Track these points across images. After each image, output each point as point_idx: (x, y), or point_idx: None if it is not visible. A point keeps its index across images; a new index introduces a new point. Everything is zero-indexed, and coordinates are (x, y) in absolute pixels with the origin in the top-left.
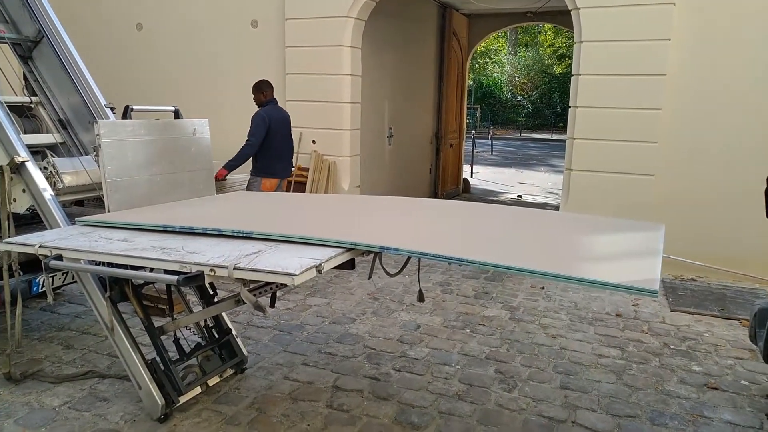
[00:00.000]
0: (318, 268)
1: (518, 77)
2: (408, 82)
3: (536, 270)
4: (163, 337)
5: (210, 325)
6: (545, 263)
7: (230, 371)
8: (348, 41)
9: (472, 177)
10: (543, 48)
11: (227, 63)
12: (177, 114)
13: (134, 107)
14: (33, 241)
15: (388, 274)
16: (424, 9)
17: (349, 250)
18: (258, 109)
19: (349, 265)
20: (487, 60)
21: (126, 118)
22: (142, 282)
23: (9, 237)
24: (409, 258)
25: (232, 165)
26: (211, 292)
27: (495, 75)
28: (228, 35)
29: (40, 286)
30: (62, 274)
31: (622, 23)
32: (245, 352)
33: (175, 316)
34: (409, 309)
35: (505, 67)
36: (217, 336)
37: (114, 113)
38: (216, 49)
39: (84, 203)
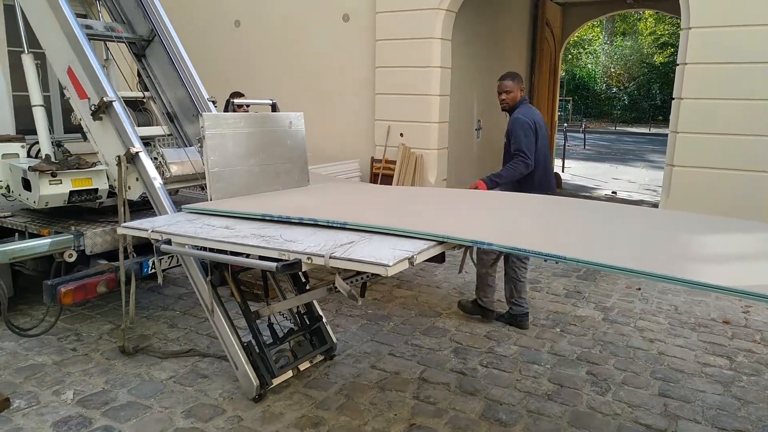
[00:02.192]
0: (410, 260)
1: (614, 68)
2: (498, 74)
3: (636, 269)
4: (257, 322)
5: (302, 312)
6: (645, 262)
7: (320, 357)
8: (438, 33)
9: (563, 172)
10: (642, 36)
11: (319, 57)
12: (274, 107)
13: (235, 101)
14: (146, 226)
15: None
16: None
17: (440, 243)
18: (515, 113)
19: (440, 258)
20: (581, 50)
21: (228, 111)
22: (241, 267)
23: (125, 222)
24: (500, 254)
25: (497, 181)
26: (304, 280)
27: (589, 66)
28: (320, 29)
29: (150, 268)
30: (168, 258)
31: (735, 7)
32: (334, 340)
33: (269, 301)
34: (498, 305)
35: (599, 57)
36: (308, 322)
37: (215, 106)
38: (308, 44)
39: (178, 191)
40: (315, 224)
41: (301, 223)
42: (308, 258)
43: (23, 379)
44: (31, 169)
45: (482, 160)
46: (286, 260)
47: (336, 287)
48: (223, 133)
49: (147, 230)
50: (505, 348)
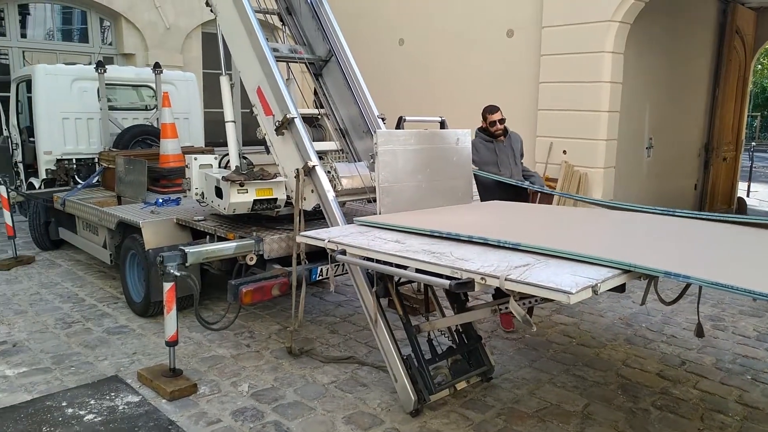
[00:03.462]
0: (594, 289)
1: None
2: (674, 88)
3: None
4: (417, 336)
5: (460, 330)
6: None
7: (476, 378)
8: (610, 47)
9: (748, 196)
10: None
11: (482, 72)
12: (443, 124)
13: (406, 118)
14: (323, 236)
15: (663, 302)
16: (701, 5)
17: (626, 271)
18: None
19: (620, 287)
20: None
21: (399, 128)
22: (403, 281)
23: (300, 231)
24: (688, 286)
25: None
26: (463, 298)
27: None
28: (483, 45)
29: (318, 275)
30: (335, 266)
31: None
32: (492, 362)
33: (429, 316)
34: (671, 341)
35: None
36: (466, 341)
37: (384, 123)
38: (470, 60)
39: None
40: (485, 243)
41: (470, 242)
42: (482, 278)
43: (207, 368)
44: (224, 179)
45: (652, 180)
46: (459, 278)
47: (508, 309)
48: (394, 150)
49: (324, 240)
50: (683, 391)
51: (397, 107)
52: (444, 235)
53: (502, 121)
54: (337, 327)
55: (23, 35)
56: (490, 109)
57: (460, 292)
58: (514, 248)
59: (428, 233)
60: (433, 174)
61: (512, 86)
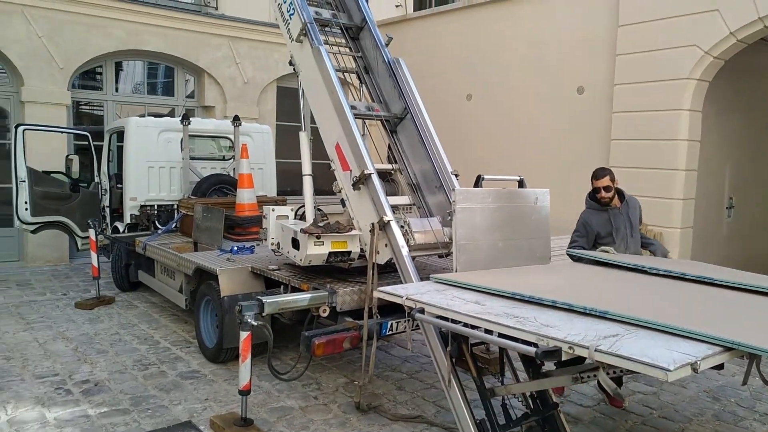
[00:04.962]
0: (693, 367)
1: None
2: (756, 147)
3: None
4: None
5: (534, 395)
6: None
7: None
8: (687, 104)
9: None
10: None
11: (550, 129)
12: (521, 183)
13: (485, 176)
14: (400, 293)
15: (765, 381)
16: None
17: (728, 349)
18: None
19: (719, 365)
20: None
21: (477, 186)
22: (477, 341)
23: (373, 284)
24: None
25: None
26: (539, 362)
27: None
28: (552, 102)
29: (389, 329)
30: (405, 321)
31: None
32: (568, 430)
33: (503, 380)
34: (764, 420)
35: None
36: (541, 407)
37: (457, 179)
38: (539, 116)
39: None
40: (570, 309)
41: (554, 306)
42: (570, 348)
43: (276, 419)
44: (302, 231)
45: (735, 241)
46: (545, 346)
47: (590, 379)
48: (472, 208)
49: (402, 297)
50: None
51: (463, 162)
52: (526, 298)
53: (608, 189)
54: (404, 383)
55: (116, 89)
56: (596, 174)
57: (546, 361)
58: (602, 316)
59: (509, 295)
60: (511, 233)
61: (582, 143)
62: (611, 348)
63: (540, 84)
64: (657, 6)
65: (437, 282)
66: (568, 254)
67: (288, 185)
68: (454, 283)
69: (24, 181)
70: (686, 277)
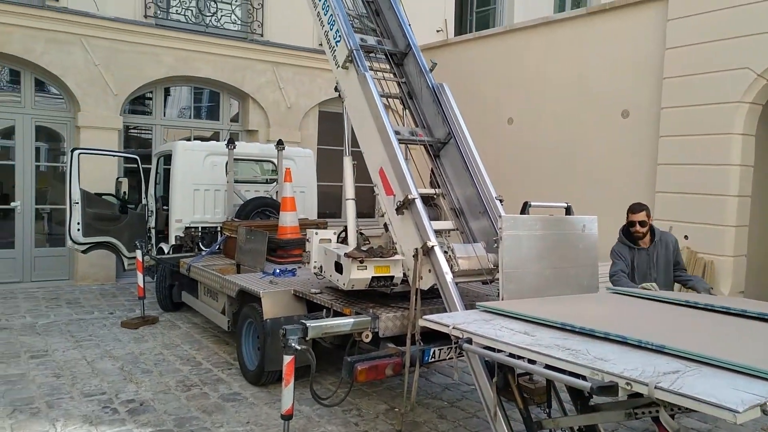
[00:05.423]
0: (764, 408)
1: None
2: None
3: None
4: None
5: (583, 429)
6: None
7: None
8: (739, 128)
9: None
10: None
11: (594, 153)
12: (568, 210)
13: (532, 203)
14: (447, 322)
15: None
16: None
17: None
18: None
19: None
20: None
21: (524, 213)
22: (523, 372)
23: (415, 309)
24: None
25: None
26: (587, 394)
27: None
28: (596, 126)
29: (431, 357)
30: (448, 349)
31: None
32: None
33: (551, 413)
34: None
35: None
36: None
37: (502, 204)
38: (582, 140)
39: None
40: (624, 342)
41: (606, 339)
42: (627, 383)
43: None
44: (346, 255)
45: None
46: (600, 381)
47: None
48: (519, 235)
49: (448, 326)
50: None
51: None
52: (576, 329)
53: (643, 224)
54: (445, 412)
55: (164, 114)
56: (633, 208)
57: (601, 396)
58: (658, 350)
59: (559, 326)
60: (558, 261)
61: (627, 168)
62: (673, 386)
63: (583, 107)
64: (706, 29)
65: (484, 311)
66: (608, 288)
67: (326, 208)
68: (502, 311)
69: (77, 203)
70: (746, 313)
